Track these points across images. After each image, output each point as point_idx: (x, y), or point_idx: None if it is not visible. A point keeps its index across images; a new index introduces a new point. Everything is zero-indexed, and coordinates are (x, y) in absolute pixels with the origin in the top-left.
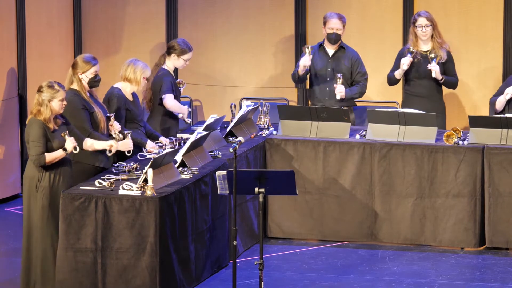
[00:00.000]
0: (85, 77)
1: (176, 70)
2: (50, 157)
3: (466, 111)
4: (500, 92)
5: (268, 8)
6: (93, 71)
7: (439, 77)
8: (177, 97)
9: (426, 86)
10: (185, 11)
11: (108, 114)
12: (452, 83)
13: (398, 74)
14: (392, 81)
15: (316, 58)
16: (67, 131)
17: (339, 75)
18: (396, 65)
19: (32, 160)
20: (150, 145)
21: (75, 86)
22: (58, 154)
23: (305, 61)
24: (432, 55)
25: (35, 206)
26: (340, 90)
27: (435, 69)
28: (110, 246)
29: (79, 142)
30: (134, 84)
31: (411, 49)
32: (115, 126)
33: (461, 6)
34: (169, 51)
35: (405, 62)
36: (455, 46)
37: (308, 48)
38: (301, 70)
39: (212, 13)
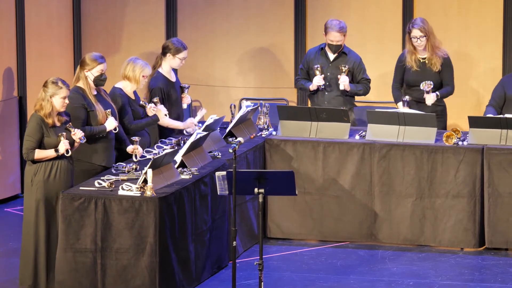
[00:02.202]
0: (91, 75)
1: (176, 71)
2: (40, 154)
3: (466, 112)
4: (493, 98)
5: (268, 9)
6: (99, 69)
7: (434, 100)
8: (175, 100)
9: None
10: (185, 11)
11: (66, 126)
12: (447, 94)
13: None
14: (398, 100)
15: (317, 62)
16: (64, 133)
17: (344, 66)
18: (398, 76)
19: (23, 154)
20: (129, 149)
21: (81, 83)
22: (49, 153)
23: (318, 81)
24: (425, 89)
25: (30, 201)
26: (344, 80)
27: (429, 102)
28: (109, 247)
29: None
30: (134, 82)
31: (429, 85)
32: (77, 134)
33: (461, 6)
34: (164, 51)
35: (430, 100)
36: (455, 47)
37: (318, 68)
38: (313, 88)
39: (212, 14)
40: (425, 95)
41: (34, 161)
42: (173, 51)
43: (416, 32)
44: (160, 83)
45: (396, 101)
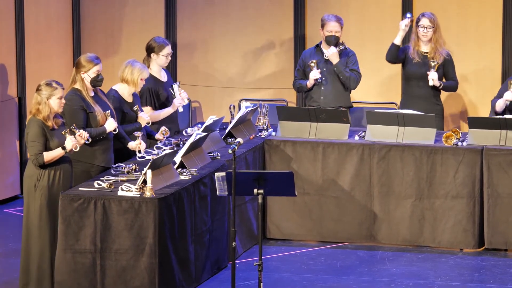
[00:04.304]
0: (87, 77)
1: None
2: (49, 156)
3: (464, 112)
4: (500, 94)
5: (267, 10)
6: (95, 71)
7: (437, 84)
8: (166, 100)
9: (425, 88)
10: (184, 12)
11: (71, 128)
12: (451, 87)
13: (397, 40)
14: (391, 50)
15: (312, 59)
16: (68, 129)
17: (341, 43)
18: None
19: (31, 160)
20: (131, 145)
21: (77, 85)
22: (57, 152)
23: (315, 75)
24: (432, 63)
25: (33, 205)
26: (332, 50)
27: (432, 78)
28: (109, 247)
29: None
30: (132, 85)
31: (408, 16)
32: (83, 135)
33: (460, 6)
34: (148, 52)
35: (404, 23)
36: (454, 46)
37: (313, 63)
38: (310, 84)
39: (211, 14)
40: (429, 72)
41: (44, 165)
42: (157, 49)
43: (425, 21)
44: (148, 84)
45: (393, 42)
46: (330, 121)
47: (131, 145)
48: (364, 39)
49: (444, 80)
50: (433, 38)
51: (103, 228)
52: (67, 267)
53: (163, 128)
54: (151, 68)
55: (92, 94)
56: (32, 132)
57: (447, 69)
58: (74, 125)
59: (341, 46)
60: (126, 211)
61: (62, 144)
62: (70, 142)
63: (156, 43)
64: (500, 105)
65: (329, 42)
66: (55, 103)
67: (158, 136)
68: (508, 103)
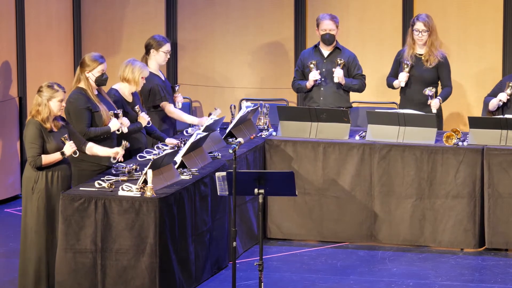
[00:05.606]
0: (92, 76)
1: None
2: (46, 159)
3: (464, 112)
4: (494, 92)
5: (268, 10)
6: (100, 70)
7: (342, 82)
8: (169, 97)
9: (419, 90)
10: (185, 12)
11: (115, 111)
12: (448, 96)
13: (396, 85)
14: (390, 87)
15: (311, 59)
16: (67, 135)
17: (340, 59)
18: (394, 69)
19: (28, 162)
20: (169, 141)
21: (82, 84)
22: (55, 157)
23: (314, 76)
24: (339, 61)
25: (30, 208)
26: (338, 73)
27: (434, 109)
28: (109, 247)
29: (80, 145)
30: (133, 84)
31: (407, 64)
32: (125, 122)
33: (460, 7)
34: (147, 49)
35: (402, 79)
36: (454, 47)
37: (312, 64)
38: (309, 85)
39: (212, 14)
40: (430, 101)
41: (41, 167)
42: (156, 45)
43: (419, 25)
44: (155, 81)
45: (392, 83)
46: (331, 121)
47: (170, 141)
48: (364, 39)
49: (439, 83)
50: (428, 41)
51: (104, 228)
52: (67, 267)
53: (178, 142)
54: (149, 66)
55: (95, 93)
56: (30, 133)
57: (441, 73)
58: (66, 136)
59: (339, 61)
60: (126, 211)
61: (59, 146)
62: (69, 148)
63: (155, 40)
64: (493, 104)
65: (324, 41)
66: (55, 105)
67: (169, 141)
68: (502, 103)
